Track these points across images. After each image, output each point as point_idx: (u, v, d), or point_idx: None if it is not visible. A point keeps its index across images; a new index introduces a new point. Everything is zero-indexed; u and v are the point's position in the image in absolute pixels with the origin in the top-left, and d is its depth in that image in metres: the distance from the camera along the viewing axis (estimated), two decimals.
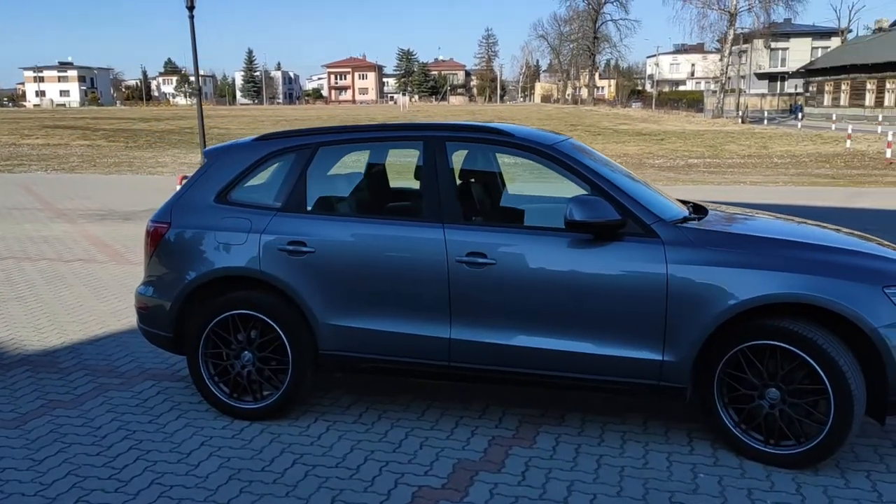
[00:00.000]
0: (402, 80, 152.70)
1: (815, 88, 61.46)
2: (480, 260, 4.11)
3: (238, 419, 4.52)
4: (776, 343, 3.78)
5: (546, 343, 4.08)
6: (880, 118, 44.50)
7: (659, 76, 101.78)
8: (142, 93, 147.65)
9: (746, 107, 57.82)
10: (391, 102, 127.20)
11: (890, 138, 24.32)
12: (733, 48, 60.86)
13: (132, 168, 25.22)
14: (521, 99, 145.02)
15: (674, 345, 3.90)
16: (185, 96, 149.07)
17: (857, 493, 3.65)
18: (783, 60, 74.56)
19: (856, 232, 4.68)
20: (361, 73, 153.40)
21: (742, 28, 62.58)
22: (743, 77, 69.71)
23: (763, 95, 68.52)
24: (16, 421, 4.54)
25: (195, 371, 4.56)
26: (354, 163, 5.02)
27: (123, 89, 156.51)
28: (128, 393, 4.97)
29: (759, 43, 68.55)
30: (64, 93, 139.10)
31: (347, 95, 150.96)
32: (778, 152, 28.51)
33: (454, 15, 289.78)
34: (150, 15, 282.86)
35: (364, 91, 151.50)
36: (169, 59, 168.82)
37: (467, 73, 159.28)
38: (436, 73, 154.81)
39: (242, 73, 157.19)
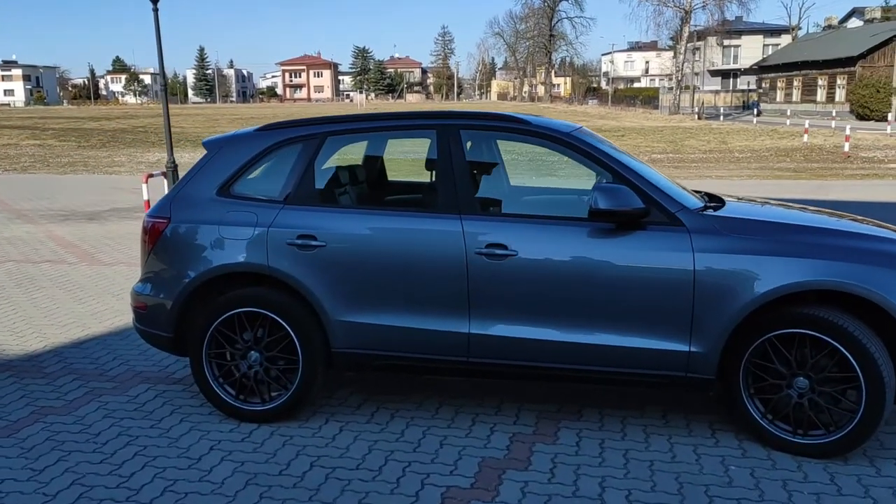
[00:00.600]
0: (358, 77, 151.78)
1: (767, 85, 62.72)
2: (500, 251, 3.98)
3: (245, 422, 4.33)
4: (806, 331, 3.72)
5: (568, 336, 3.97)
6: (833, 113, 45.51)
7: (614, 73, 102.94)
8: (89, 91, 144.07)
9: (702, 103, 58.69)
10: (347, 101, 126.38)
11: (847, 132, 24.82)
12: (688, 45, 61.73)
13: (87, 168, 24.52)
14: (478, 97, 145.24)
15: (701, 335, 3.83)
16: (135, 95, 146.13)
17: (890, 480, 3.61)
18: (735, 57, 75.91)
19: (868, 219, 4.67)
20: (316, 70, 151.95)
21: (696, 25, 63.58)
22: (697, 74, 70.74)
23: (717, 92, 69.67)
24: (7, 429, 4.28)
25: (199, 372, 4.35)
26: (364, 153, 4.86)
27: (70, 88, 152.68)
28: (123, 397, 4.74)
29: (712, 40, 69.70)
30: (8, 92, 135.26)
31: (303, 94, 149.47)
32: (738, 147, 28.91)
33: (410, 12, 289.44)
34: (97, 12, 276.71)
35: (320, 89, 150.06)
36: (117, 58, 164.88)
37: (424, 71, 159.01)
38: (392, 70, 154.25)
39: (194, 71, 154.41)
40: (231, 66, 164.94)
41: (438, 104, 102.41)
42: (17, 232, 11.42)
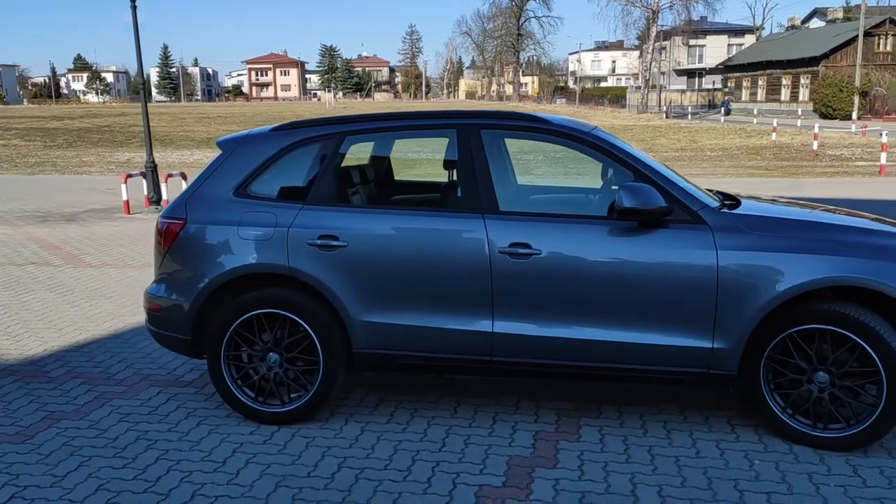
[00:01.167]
0: (326, 76, 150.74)
1: (733, 84, 63.63)
2: (524, 251, 3.99)
3: (264, 424, 4.29)
4: (827, 327, 3.79)
5: (592, 334, 3.99)
6: (799, 112, 46.32)
7: (581, 73, 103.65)
8: (50, 90, 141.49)
9: (670, 102, 59.35)
10: (315, 99, 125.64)
11: (816, 131, 25.28)
12: (654, 45, 62.39)
13: (57, 168, 24.10)
14: (446, 95, 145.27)
15: (724, 332, 3.88)
16: (97, 93, 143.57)
17: None
18: (700, 57, 76.95)
19: (877, 216, 4.76)
20: (283, 69, 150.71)
21: (663, 25, 64.30)
22: (664, 73, 71.56)
23: (682, 91, 70.57)
24: (21, 435, 4.19)
25: (217, 375, 4.30)
26: (382, 153, 4.83)
27: (30, 87, 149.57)
28: (135, 401, 4.67)
29: (678, 40, 70.55)
30: None
31: (269, 92, 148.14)
32: (708, 146, 29.32)
33: (377, 11, 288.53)
34: (58, 9, 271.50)
35: (286, 88, 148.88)
36: (79, 55, 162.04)
37: (392, 70, 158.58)
38: (360, 69, 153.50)
39: (158, 70, 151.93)
40: (196, 64, 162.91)
41: (407, 103, 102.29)
42: None
